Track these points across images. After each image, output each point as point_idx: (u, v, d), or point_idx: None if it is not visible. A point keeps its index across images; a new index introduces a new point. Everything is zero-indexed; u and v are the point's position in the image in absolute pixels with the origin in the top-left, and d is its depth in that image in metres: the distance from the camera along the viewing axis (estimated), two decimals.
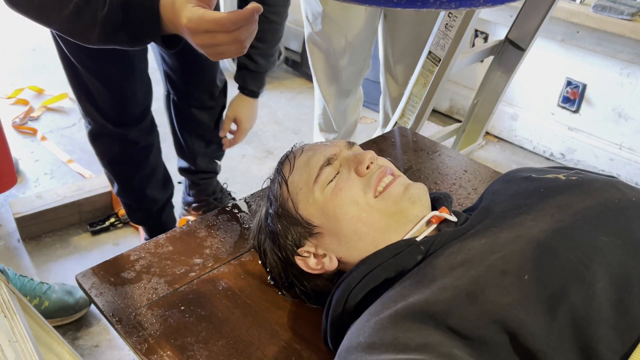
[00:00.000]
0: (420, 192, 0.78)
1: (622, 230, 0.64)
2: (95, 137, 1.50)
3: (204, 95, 1.61)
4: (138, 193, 1.62)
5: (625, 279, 0.58)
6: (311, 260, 0.78)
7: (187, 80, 1.58)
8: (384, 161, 0.82)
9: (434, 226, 0.77)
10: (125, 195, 1.63)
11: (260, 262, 0.89)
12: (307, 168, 0.79)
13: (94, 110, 1.44)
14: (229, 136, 1.66)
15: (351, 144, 0.84)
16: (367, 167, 0.78)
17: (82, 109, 1.45)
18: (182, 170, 1.83)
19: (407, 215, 0.75)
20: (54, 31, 1.29)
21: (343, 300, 0.71)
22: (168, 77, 1.60)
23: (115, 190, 1.63)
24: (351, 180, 0.77)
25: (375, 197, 0.76)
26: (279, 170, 0.83)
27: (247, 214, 1.04)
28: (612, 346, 0.54)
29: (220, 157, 1.82)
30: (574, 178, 0.74)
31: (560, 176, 0.76)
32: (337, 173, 0.78)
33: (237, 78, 1.55)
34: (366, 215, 0.75)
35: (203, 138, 1.72)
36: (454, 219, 0.78)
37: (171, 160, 1.79)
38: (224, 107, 1.71)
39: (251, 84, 1.55)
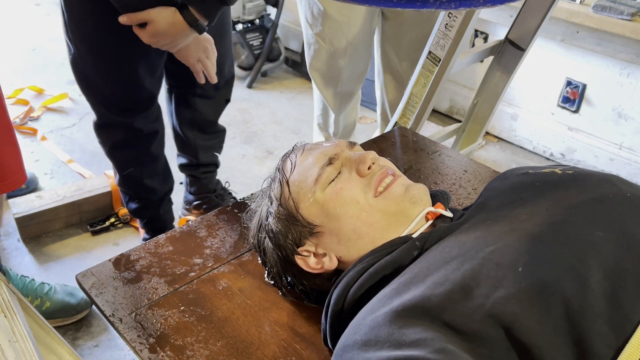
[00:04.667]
0: (421, 193, 0.78)
1: (616, 225, 0.64)
2: (100, 127, 1.53)
3: (209, 85, 1.61)
4: (137, 182, 1.63)
5: (619, 273, 0.58)
6: (311, 259, 0.78)
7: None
8: (385, 162, 0.83)
9: (430, 222, 0.77)
10: (125, 184, 1.65)
11: (259, 260, 0.89)
12: (308, 168, 0.80)
13: (99, 104, 1.47)
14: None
15: (352, 144, 0.84)
16: (369, 168, 0.78)
17: (88, 101, 1.47)
18: (183, 167, 1.83)
19: (408, 215, 0.76)
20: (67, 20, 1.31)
21: (341, 300, 0.71)
22: (171, 72, 1.61)
23: (116, 180, 1.65)
24: (352, 180, 0.77)
25: (376, 197, 0.76)
26: (280, 169, 0.83)
27: (247, 214, 1.04)
28: (606, 340, 0.54)
29: (220, 149, 1.83)
30: (569, 172, 0.75)
31: (557, 170, 0.76)
32: (339, 173, 0.79)
33: None
34: (366, 215, 0.75)
35: (203, 130, 1.73)
36: (449, 214, 0.78)
37: (171, 161, 1.79)
38: (227, 101, 1.72)
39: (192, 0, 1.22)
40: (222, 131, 1.80)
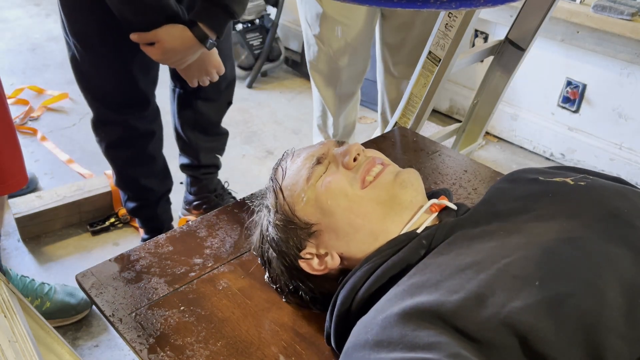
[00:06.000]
0: (412, 177, 0.78)
1: (632, 241, 0.64)
2: (97, 125, 1.53)
3: (211, 87, 1.61)
4: (134, 182, 1.64)
5: (636, 290, 0.58)
6: (314, 261, 0.78)
7: None
8: (373, 152, 0.83)
9: (434, 215, 0.77)
10: (122, 184, 1.66)
11: (264, 269, 0.89)
12: (298, 170, 0.80)
13: (96, 101, 1.47)
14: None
15: (340, 143, 0.84)
16: (354, 160, 0.78)
17: (86, 99, 1.48)
18: (184, 167, 1.83)
19: (401, 202, 0.76)
20: (65, 18, 1.34)
21: (349, 301, 0.71)
22: (176, 74, 1.61)
23: (114, 180, 1.66)
24: (340, 173, 0.78)
25: (364, 187, 0.76)
26: (273, 178, 0.83)
27: (246, 214, 1.04)
28: (620, 356, 0.54)
29: (221, 152, 1.83)
30: (582, 184, 0.74)
31: (569, 180, 0.75)
32: (327, 169, 0.79)
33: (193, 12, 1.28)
34: (358, 206, 0.75)
35: (206, 132, 1.74)
36: (454, 207, 0.78)
37: (172, 161, 1.79)
38: (229, 103, 1.72)
39: (201, 16, 1.25)
40: (224, 134, 1.81)
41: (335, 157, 0.80)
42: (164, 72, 1.60)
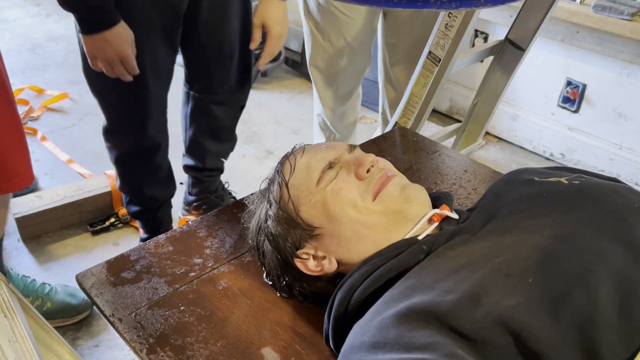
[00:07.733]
0: (417, 192, 0.78)
1: (625, 237, 0.64)
2: (109, 133, 1.53)
3: (224, 89, 1.60)
4: (137, 190, 1.64)
5: (629, 285, 0.59)
6: (310, 262, 0.78)
7: (208, 71, 1.58)
8: (385, 163, 0.82)
9: (435, 224, 0.77)
10: (126, 190, 1.66)
11: (259, 262, 0.89)
12: (308, 171, 0.79)
13: (110, 108, 1.48)
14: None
15: (353, 147, 0.83)
16: (368, 171, 0.78)
17: (101, 107, 1.48)
18: (188, 168, 1.83)
19: (407, 215, 0.76)
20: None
21: (346, 302, 0.71)
22: (189, 74, 1.61)
23: (117, 184, 1.66)
24: (351, 182, 0.77)
25: (374, 201, 0.76)
26: (279, 171, 0.82)
27: (247, 214, 1.04)
28: (615, 350, 0.54)
29: (227, 156, 1.83)
30: (576, 182, 0.74)
31: (563, 180, 0.75)
32: (338, 174, 0.79)
33: None
34: (365, 218, 0.75)
35: (217, 137, 1.73)
36: (455, 216, 0.78)
37: (173, 161, 1.78)
38: (242, 107, 1.71)
39: None
40: (234, 140, 1.81)
41: (348, 164, 0.79)
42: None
